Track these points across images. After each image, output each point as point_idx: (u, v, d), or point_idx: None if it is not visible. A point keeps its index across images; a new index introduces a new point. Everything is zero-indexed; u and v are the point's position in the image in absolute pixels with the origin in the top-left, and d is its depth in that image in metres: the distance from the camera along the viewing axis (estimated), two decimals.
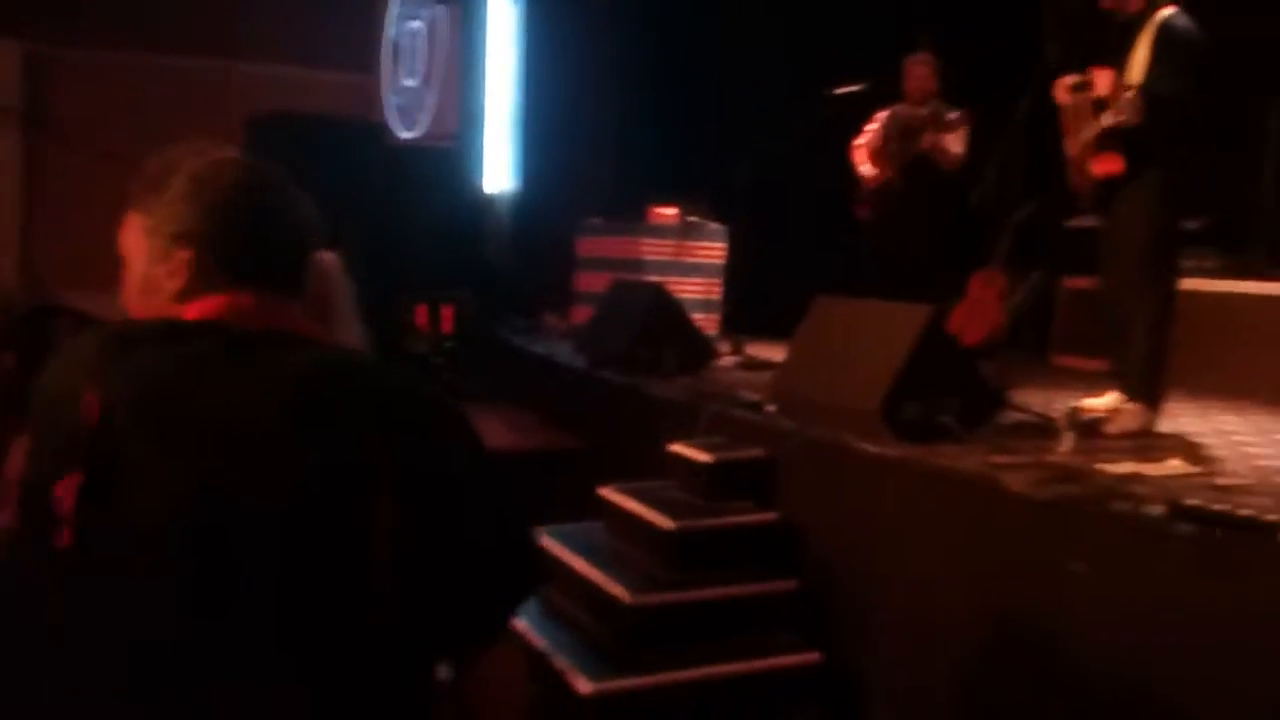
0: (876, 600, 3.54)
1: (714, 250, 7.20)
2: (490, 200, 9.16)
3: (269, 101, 8.92)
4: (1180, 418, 4.78)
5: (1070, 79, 4.45)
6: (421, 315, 7.29)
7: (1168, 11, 4.23)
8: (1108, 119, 4.23)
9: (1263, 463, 3.88)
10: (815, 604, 3.70)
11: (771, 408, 4.34)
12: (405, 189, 8.36)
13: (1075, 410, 3.99)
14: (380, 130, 9.63)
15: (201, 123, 8.43)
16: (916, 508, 3.47)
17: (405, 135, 9.90)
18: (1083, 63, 4.47)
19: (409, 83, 10.08)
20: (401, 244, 7.82)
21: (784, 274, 6.95)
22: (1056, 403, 4.81)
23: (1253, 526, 2.73)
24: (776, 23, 8.02)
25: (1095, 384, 4.84)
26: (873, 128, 6.53)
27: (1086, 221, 4.84)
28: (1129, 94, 4.17)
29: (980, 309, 6.55)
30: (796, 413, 4.18)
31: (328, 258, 2.20)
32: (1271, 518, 2.74)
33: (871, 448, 3.68)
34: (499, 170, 9.20)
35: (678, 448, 4.20)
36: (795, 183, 7.39)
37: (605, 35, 8.51)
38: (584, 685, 3.28)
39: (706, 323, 6.84)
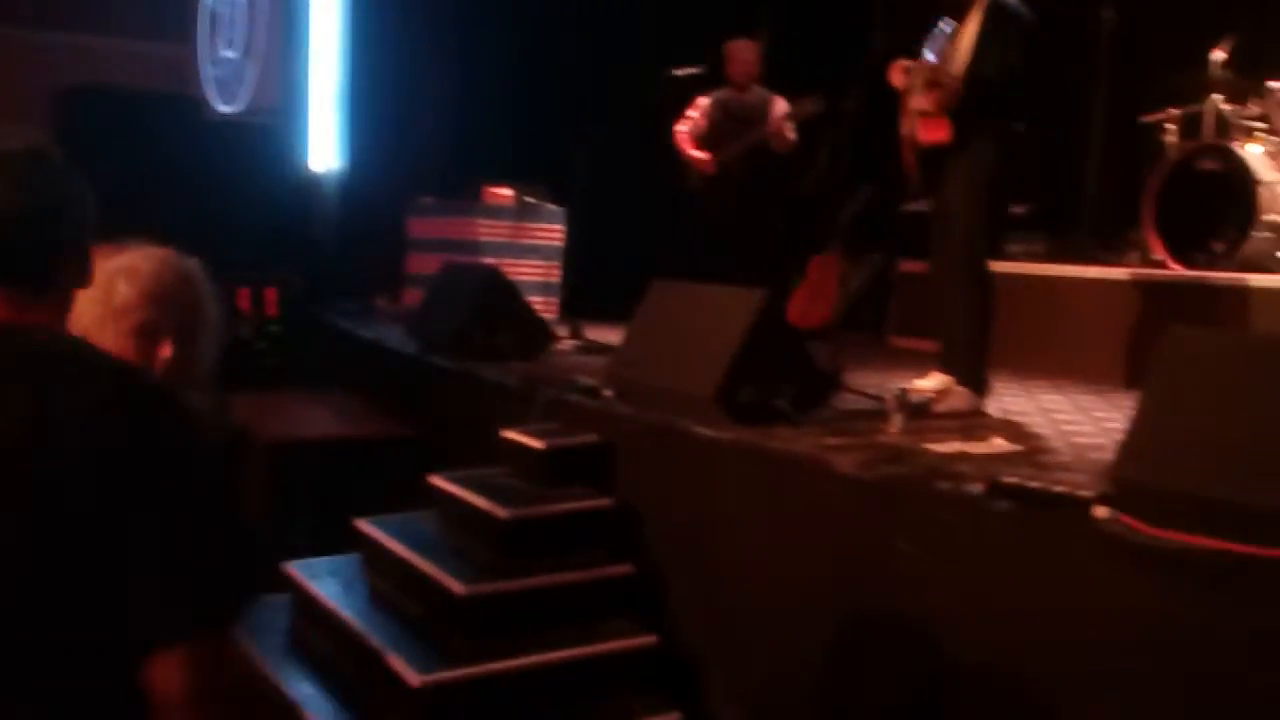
0: (714, 583, 3.62)
1: (552, 232, 7.20)
2: (316, 179, 8.95)
3: (78, 74, 8.53)
4: (1006, 397, 5.01)
5: (904, 61, 4.62)
6: (244, 298, 7.10)
7: None
8: (934, 88, 4.41)
9: (1081, 440, 4.10)
10: (652, 588, 3.75)
11: (608, 392, 4.38)
12: (225, 166, 8.11)
13: (904, 392, 4.14)
14: (197, 105, 9.31)
15: (4, 96, 8.01)
16: (752, 491, 3.55)
17: (224, 110, 9.58)
18: (914, 47, 4.65)
19: (228, 54, 9.74)
20: (221, 224, 7.57)
21: (624, 257, 6.99)
22: (891, 384, 4.97)
23: (1067, 502, 2.89)
24: (620, 1, 8.05)
25: (929, 364, 5.03)
26: (694, 113, 6.66)
27: (922, 206, 5.04)
28: (955, 68, 4.38)
29: (820, 292, 6.74)
30: (633, 397, 4.22)
31: (193, 264, 2.19)
32: (1085, 493, 2.90)
33: (707, 432, 3.74)
34: (325, 147, 8.99)
35: (511, 434, 4.20)
36: (635, 164, 7.44)
37: (441, 6, 8.40)
38: (413, 678, 3.26)
39: (545, 306, 6.84)
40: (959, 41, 4.45)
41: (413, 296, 7.25)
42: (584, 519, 3.84)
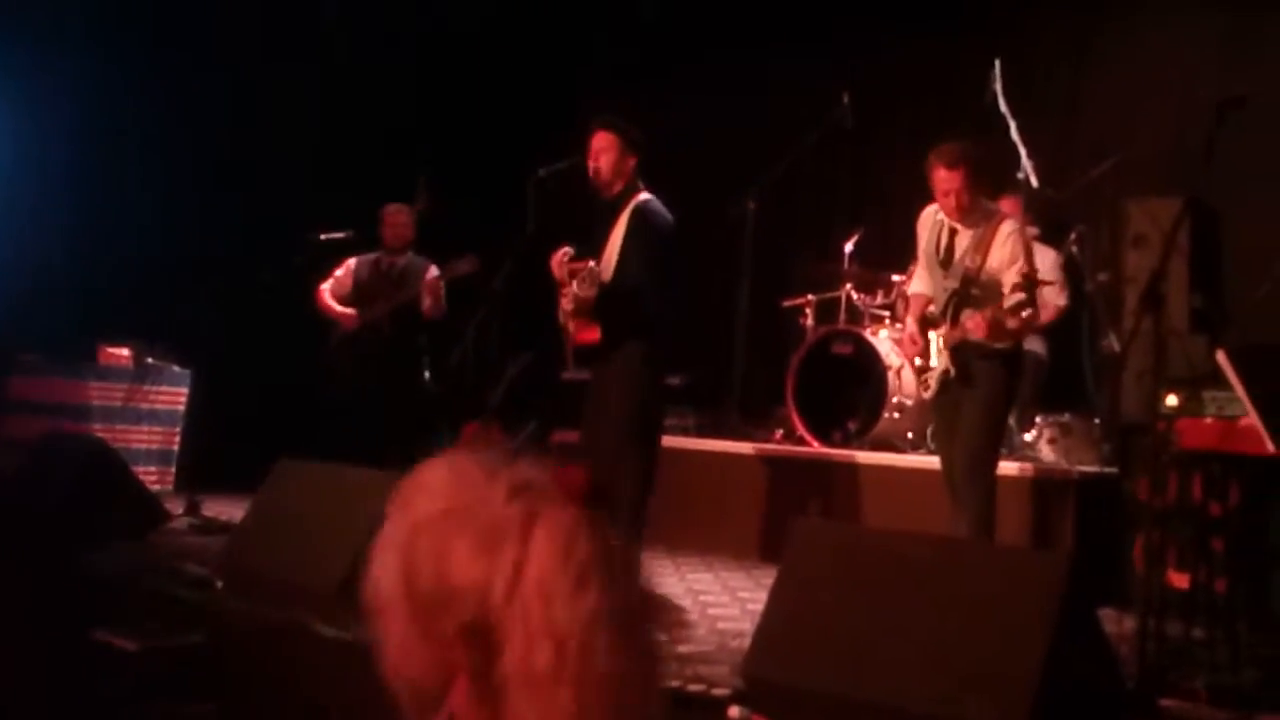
0: None
1: (174, 396, 6.83)
2: None
3: None
4: (656, 576, 5.05)
5: (562, 252, 4.86)
6: None
7: (643, 196, 4.77)
8: (576, 293, 4.68)
9: (725, 625, 4.19)
10: None
11: (220, 584, 4.10)
12: None
13: None
14: None
15: None
16: (380, 698, 3.35)
17: None
18: (568, 234, 4.89)
19: None
20: None
21: (257, 423, 6.67)
22: None
23: (702, 702, 2.89)
24: (260, 166, 7.86)
25: None
26: (340, 272, 6.60)
27: (581, 374, 5.18)
28: (592, 268, 4.66)
29: None
30: (248, 590, 3.99)
31: None
32: (720, 691, 2.92)
33: (330, 631, 3.54)
34: None
35: (103, 635, 3.82)
36: (273, 328, 7.19)
37: (57, 146, 7.88)
38: None
39: (160, 477, 6.46)
40: (611, 241, 4.73)
41: (9, 466, 6.62)
42: None
